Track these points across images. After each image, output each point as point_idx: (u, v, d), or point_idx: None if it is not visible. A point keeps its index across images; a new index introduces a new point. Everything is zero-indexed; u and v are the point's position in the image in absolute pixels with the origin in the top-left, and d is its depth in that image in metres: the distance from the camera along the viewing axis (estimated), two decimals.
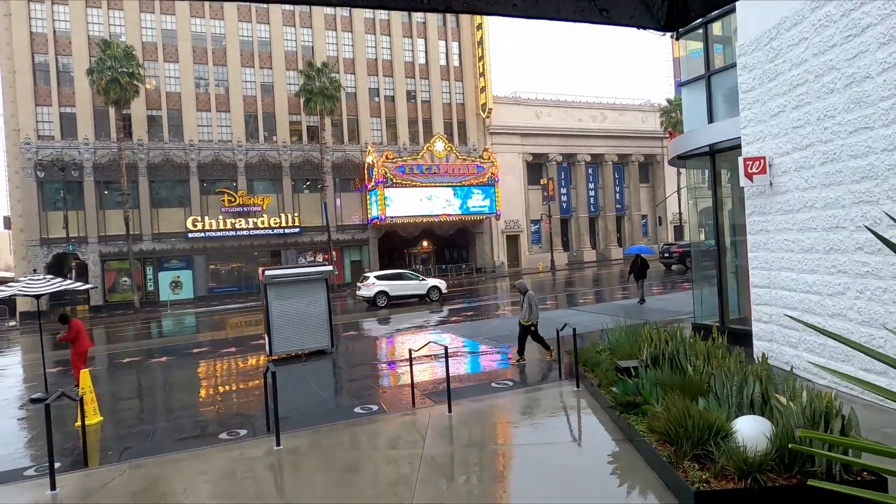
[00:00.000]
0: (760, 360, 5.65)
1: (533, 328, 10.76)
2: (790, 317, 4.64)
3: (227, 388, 11.19)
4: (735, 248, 10.84)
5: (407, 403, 8.44)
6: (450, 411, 7.18)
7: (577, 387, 7.85)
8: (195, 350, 16.10)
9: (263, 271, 12.81)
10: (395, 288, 25.16)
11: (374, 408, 8.33)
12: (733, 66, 9.75)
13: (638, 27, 1.55)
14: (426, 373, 10.72)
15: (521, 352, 11.00)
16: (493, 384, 9.28)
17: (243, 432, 7.58)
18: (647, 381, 5.84)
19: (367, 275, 26.53)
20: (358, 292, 26.13)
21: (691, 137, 10.71)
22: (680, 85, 11.75)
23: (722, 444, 4.40)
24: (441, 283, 26.41)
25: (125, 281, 36.02)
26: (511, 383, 9.21)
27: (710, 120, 10.54)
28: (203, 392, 10.96)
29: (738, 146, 9.61)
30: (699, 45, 11.60)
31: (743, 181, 8.48)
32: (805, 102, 7.50)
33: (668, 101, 50.74)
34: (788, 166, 7.97)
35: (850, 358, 6.89)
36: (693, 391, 5.40)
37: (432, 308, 23.11)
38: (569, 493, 4.82)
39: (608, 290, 25.99)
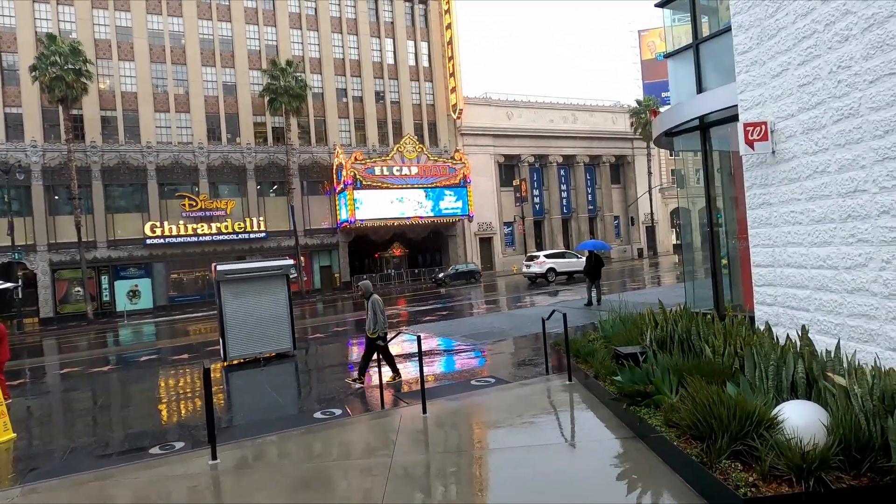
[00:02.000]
0: (800, 334, 4.78)
1: (380, 342, 8.52)
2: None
3: (171, 397, 9.92)
4: (727, 228, 10.10)
5: (376, 406, 7.38)
6: (424, 412, 6.13)
7: (570, 380, 6.89)
8: (144, 359, 14.69)
9: (216, 267, 11.58)
10: (561, 265, 29.53)
11: (338, 412, 7.23)
12: (724, 31, 9.04)
13: None
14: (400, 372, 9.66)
15: (362, 371, 8.84)
16: (472, 382, 8.28)
17: (180, 445, 6.40)
18: (658, 367, 4.91)
19: (536, 254, 30.89)
20: (527, 270, 29.67)
21: (679, 111, 9.95)
22: (665, 56, 11.02)
23: (768, 437, 3.48)
24: None
25: (78, 291, 33.94)
26: (493, 380, 8.22)
27: (700, 91, 9.80)
28: (143, 402, 9.66)
29: (733, 116, 8.88)
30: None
31: (743, 149, 7.70)
32: (814, 56, 6.75)
33: (638, 101, 50.93)
34: (794, 130, 7.21)
35: (875, 337, 6.11)
36: (716, 376, 4.49)
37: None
38: None
39: (583, 287, 25.26)
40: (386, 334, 8.64)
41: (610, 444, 4.87)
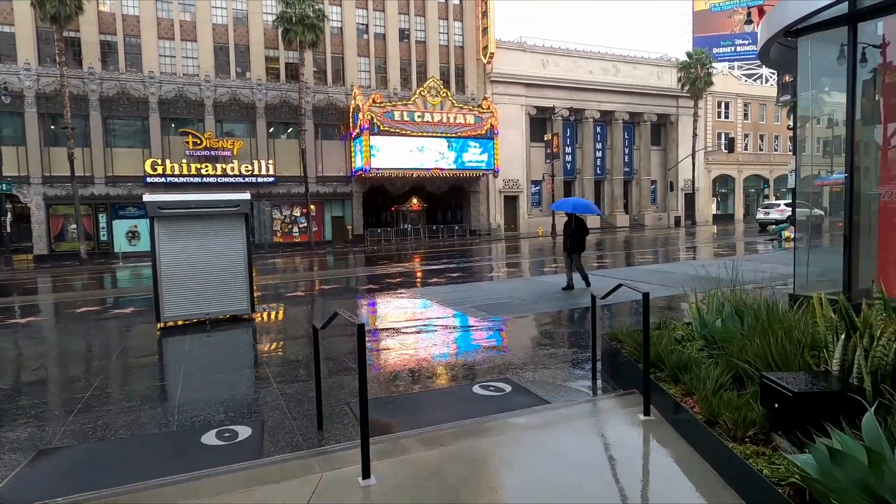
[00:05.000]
0: None
1: None
2: None
3: (45, 372, 7.19)
4: (873, 175, 6.78)
5: (308, 420, 4.50)
6: (366, 475, 3.15)
7: (646, 414, 3.85)
8: (79, 310, 12.07)
9: (145, 197, 8.69)
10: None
11: (245, 433, 4.35)
12: None
13: None
14: (376, 357, 6.79)
15: None
16: (475, 388, 5.31)
17: None
18: None
19: (776, 202, 33.62)
20: (764, 216, 32.53)
21: None
22: None
23: None
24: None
25: (74, 229, 31.83)
26: (508, 388, 5.25)
27: None
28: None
29: None
30: None
31: None
32: None
33: (688, 54, 46.09)
34: None
35: None
36: None
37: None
38: None
39: (620, 255, 22.07)
40: None
41: None
